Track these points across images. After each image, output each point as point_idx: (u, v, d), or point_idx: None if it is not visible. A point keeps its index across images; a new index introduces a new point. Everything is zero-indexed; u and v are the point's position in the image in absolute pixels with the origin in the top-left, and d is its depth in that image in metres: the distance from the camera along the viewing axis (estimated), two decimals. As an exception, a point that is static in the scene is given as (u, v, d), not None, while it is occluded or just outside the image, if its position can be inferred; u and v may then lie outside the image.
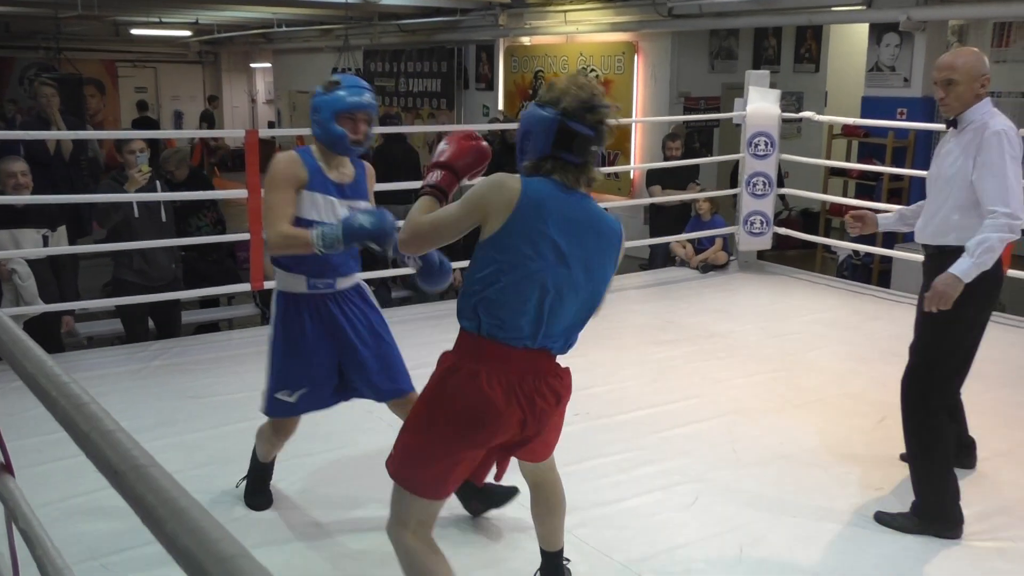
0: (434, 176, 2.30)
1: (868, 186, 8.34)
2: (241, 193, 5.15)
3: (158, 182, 5.32)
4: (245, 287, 5.50)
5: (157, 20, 14.74)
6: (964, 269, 2.87)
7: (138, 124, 15.43)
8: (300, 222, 2.81)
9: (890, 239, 7.14)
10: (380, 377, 2.97)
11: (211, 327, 6.34)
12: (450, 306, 2.49)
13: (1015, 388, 4.45)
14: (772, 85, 6.98)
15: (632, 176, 10.46)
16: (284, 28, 14.57)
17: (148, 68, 19.35)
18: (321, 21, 14.02)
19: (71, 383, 1.13)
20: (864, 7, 8.24)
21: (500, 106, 12.09)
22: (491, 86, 12.51)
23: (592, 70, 10.81)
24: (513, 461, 2.41)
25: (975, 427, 3.55)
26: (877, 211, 3.63)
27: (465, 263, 2.32)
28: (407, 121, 12.93)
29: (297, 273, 2.91)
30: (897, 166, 7.74)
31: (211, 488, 3.27)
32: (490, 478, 2.39)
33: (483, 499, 3.07)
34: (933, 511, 3.06)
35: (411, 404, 2.90)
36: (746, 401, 4.28)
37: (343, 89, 2.87)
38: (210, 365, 4.76)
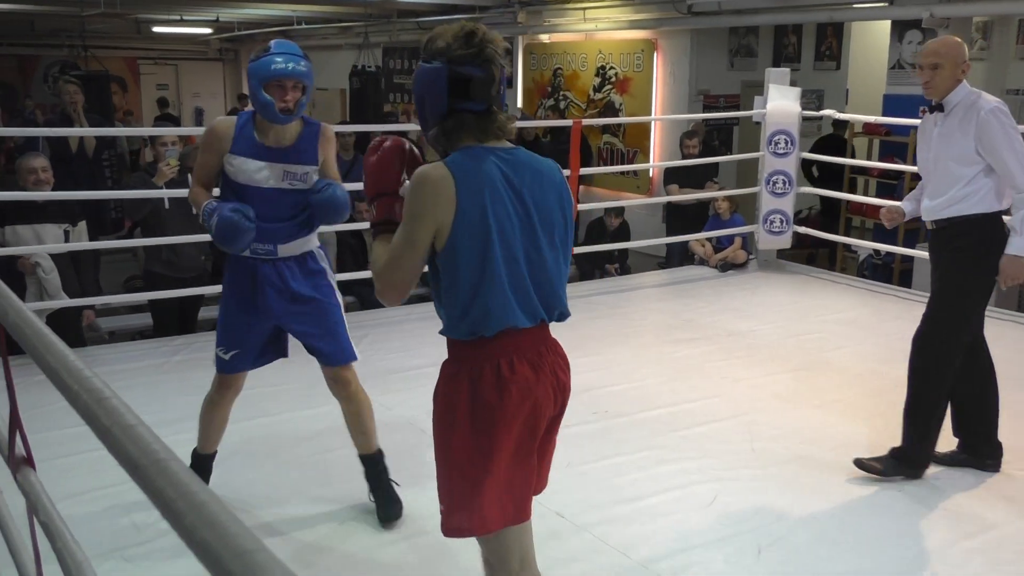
0: (371, 214, 2.13)
1: (890, 185, 8.26)
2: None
3: (189, 176, 5.35)
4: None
5: (178, 18, 14.87)
6: (1020, 246, 3.21)
7: (160, 121, 15.53)
8: (232, 185, 2.94)
9: (911, 238, 7.07)
10: (322, 341, 3.03)
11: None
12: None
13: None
14: (792, 83, 6.94)
15: (651, 174, 10.43)
16: (304, 25, 14.61)
17: (169, 66, 19.45)
18: (340, 19, 14.06)
19: (93, 377, 1.13)
20: (886, 4, 8.14)
21: (519, 104, 12.08)
22: (510, 83, 12.51)
23: (611, 68, 10.78)
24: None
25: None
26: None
27: None
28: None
29: None
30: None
31: (230, 483, 3.28)
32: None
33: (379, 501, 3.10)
34: (908, 453, 3.35)
35: (350, 380, 3.03)
36: (765, 400, 4.26)
37: (271, 56, 2.86)
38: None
